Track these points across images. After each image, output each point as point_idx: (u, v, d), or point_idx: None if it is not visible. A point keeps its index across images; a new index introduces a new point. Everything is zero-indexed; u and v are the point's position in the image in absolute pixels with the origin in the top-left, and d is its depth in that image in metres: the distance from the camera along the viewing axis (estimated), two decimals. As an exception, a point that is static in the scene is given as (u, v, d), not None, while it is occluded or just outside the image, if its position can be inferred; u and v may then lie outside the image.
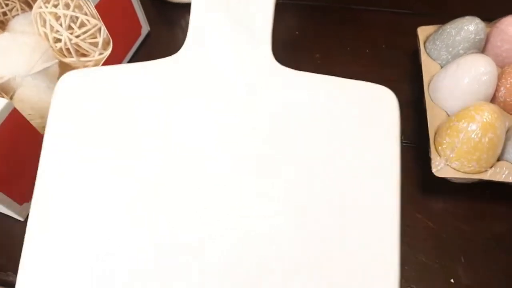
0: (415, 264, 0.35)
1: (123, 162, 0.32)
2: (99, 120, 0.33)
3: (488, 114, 0.34)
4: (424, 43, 0.43)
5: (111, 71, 0.35)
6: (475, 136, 0.34)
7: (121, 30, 0.48)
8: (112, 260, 0.30)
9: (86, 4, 0.45)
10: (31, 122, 0.39)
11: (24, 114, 0.39)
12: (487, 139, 0.34)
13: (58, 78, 0.46)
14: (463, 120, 0.34)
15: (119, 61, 0.50)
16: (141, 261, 0.30)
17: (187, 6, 0.51)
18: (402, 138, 0.42)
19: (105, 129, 0.33)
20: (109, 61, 0.47)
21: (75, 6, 0.45)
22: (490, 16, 0.42)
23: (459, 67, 0.37)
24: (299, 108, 0.32)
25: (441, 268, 0.35)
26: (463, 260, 0.35)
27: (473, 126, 0.34)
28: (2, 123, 0.36)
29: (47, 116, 0.42)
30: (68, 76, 0.36)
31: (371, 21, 0.52)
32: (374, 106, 0.32)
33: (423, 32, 0.43)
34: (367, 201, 0.30)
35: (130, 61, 0.52)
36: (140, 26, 0.52)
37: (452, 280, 0.34)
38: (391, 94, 0.33)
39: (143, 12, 0.51)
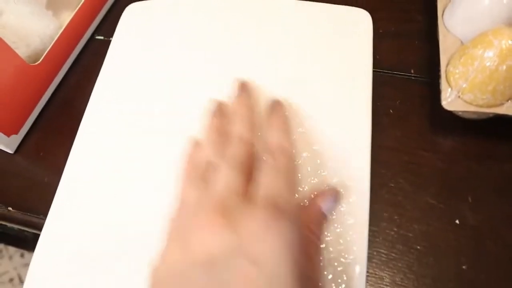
0: (419, 203, 0.33)
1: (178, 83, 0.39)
2: (158, 44, 0.41)
3: (508, 39, 0.30)
4: (441, -35, 0.39)
5: (169, 2, 0.43)
6: (491, 64, 0.30)
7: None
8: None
9: None
10: (16, 50, 0.37)
11: (9, 42, 0.36)
12: (505, 68, 0.30)
13: (44, 5, 0.43)
14: (479, 46, 0.31)
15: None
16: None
17: None
18: (412, 71, 0.39)
19: (163, 53, 0.40)
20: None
21: None
22: None
23: (478, -12, 0.33)
24: (293, 29, 0.40)
25: (447, 209, 0.33)
26: (470, 200, 0.33)
27: (490, 53, 0.30)
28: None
29: (33, 45, 0.40)
30: (132, 7, 0.44)
31: None
32: (351, 25, 0.39)
33: (440, -47, 0.39)
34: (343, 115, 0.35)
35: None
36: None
37: (457, 221, 0.32)
38: (366, 14, 0.39)
39: None
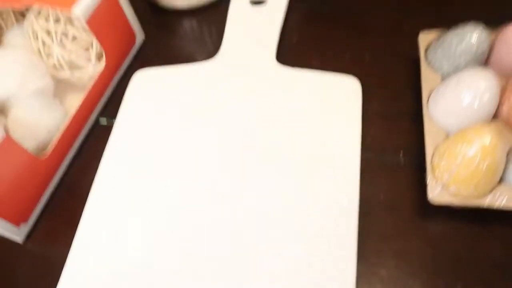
0: (410, 292, 0.34)
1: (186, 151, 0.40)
2: (165, 116, 0.43)
3: (488, 137, 0.31)
4: (426, 50, 0.40)
5: (175, 70, 0.47)
6: (473, 161, 0.32)
7: (114, 40, 0.47)
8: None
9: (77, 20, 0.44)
10: (24, 143, 0.39)
11: (18, 136, 0.38)
12: (486, 164, 0.31)
13: (53, 96, 0.46)
14: (460, 143, 0.32)
15: (115, 70, 0.49)
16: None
17: (182, 12, 0.51)
18: (401, 154, 0.40)
19: (171, 118, 0.43)
20: (104, 72, 0.46)
21: (66, 19, 0.44)
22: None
23: (459, 82, 0.34)
24: (286, 96, 0.42)
25: (437, 296, 0.33)
26: (460, 288, 0.33)
27: (472, 151, 0.32)
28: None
29: (41, 138, 0.42)
30: (140, 73, 0.47)
31: (370, 25, 0.49)
32: (340, 91, 0.41)
33: (425, 38, 0.40)
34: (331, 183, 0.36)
35: (128, 69, 0.51)
36: (134, 35, 0.50)
37: (448, 309, 0.33)
38: (356, 81, 0.42)
39: (137, 20, 0.50)
